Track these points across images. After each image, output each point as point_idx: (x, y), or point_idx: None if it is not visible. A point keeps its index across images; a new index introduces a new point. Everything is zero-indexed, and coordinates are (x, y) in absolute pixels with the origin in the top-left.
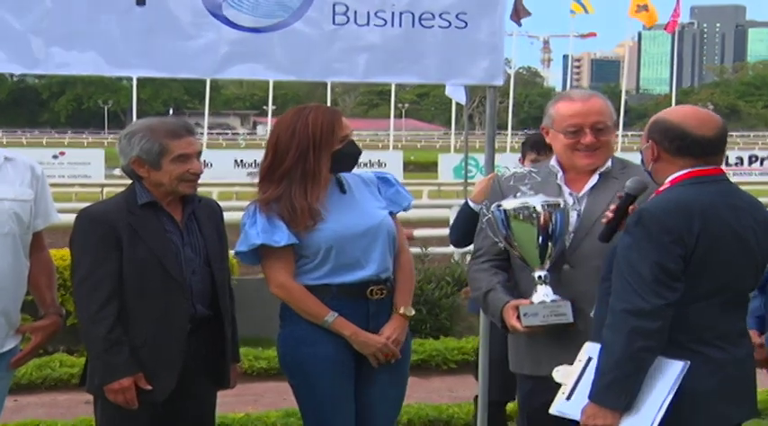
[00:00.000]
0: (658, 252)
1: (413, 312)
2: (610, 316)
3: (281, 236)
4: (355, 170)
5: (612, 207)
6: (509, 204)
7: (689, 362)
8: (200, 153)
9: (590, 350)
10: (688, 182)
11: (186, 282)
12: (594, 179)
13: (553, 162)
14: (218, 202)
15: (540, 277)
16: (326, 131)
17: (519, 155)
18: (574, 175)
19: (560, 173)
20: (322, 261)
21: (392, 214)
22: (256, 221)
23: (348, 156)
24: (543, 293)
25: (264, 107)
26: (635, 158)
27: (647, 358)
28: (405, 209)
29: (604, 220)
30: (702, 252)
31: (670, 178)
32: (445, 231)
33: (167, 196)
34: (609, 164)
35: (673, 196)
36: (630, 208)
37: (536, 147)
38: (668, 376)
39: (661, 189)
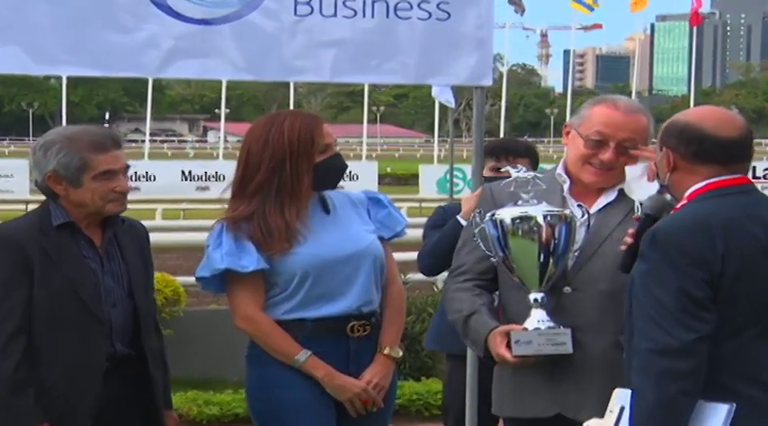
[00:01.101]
0: (679, 277)
1: (400, 353)
2: (636, 358)
3: (249, 261)
4: None
5: (631, 231)
6: (506, 214)
7: (734, 404)
8: (127, 168)
9: (622, 397)
10: (707, 196)
11: (105, 315)
12: (612, 195)
13: (560, 169)
14: (164, 221)
15: (536, 299)
16: (304, 141)
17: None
18: (581, 188)
19: (567, 183)
20: (295, 290)
21: (382, 240)
22: (222, 242)
23: (331, 171)
24: (538, 318)
25: (216, 110)
26: None
27: (685, 403)
28: (397, 235)
29: (623, 247)
30: (732, 275)
31: (687, 192)
32: None
33: (88, 217)
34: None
35: (689, 212)
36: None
37: (495, 153)
38: (714, 423)
39: (678, 206)
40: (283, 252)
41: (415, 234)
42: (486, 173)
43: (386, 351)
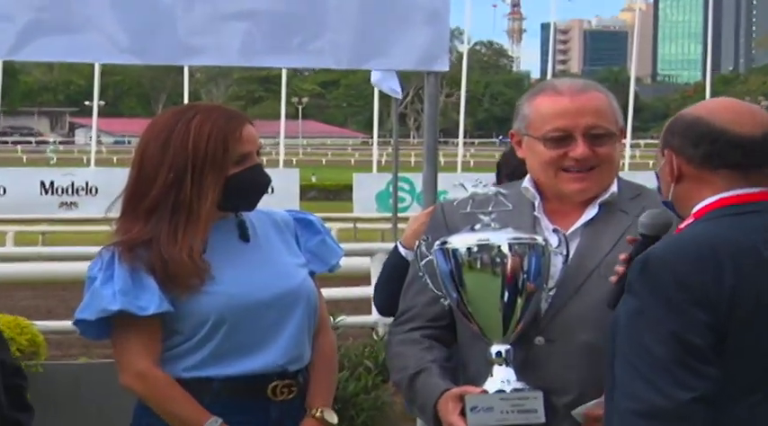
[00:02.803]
0: (675, 318)
1: (335, 418)
2: (616, 421)
3: (150, 301)
4: None
5: (623, 256)
6: (461, 242)
7: None
8: None
9: None
10: (718, 214)
11: None
12: (592, 211)
13: (527, 183)
14: (16, 249)
15: (499, 353)
16: (214, 146)
17: (480, 175)
18: (558, 205)
19: (538, 200)
20: (204, 340)
21: (312, 274)
22: (113, 275)
23: (247, 187)
24: (502, 378)
25: (87, 102)
26: (652, 179)
27: None
28: (330, 270)
29: (614, 278)
30: (743, 319)
31: (695, 209)
32: (364, 291)
33: None
34: (613, 188)
35: (692, 235)
36: None
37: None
38: None
39: (682, 225)
40: (192, 290)
41: (348, 263)
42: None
43: (317, 414)
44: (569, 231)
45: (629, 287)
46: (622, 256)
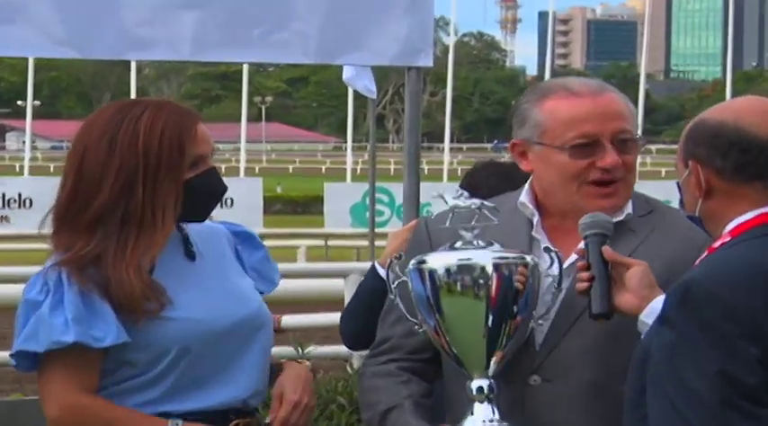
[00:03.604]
0: (722, 354)
1: None
2: None
3: (106, 331)
4: None
5: (580, 263)
6: (437, 261)
7: None
8: None
9: None
10: (759, 233)
11: None
12: None
13: (524, 197)
14: None
15: (480, 389)
16: (169, 145)
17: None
18: (559, 221)
19: (537, 218)
20: (163, 373)
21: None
22: (63, 300)
23: (203, 194)
24: (484, 417)
25: (19, 102)
26: (664, 190)
27: None
28: (270, 290)
29: (582, 286)
30: None
31: (730, 227)
32: (336, 317)
33: None
34: (629, 209)
35: (734, 258)
36: (603, 248)
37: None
38: None
39: (716, 244)
40: (150, 316)
41: (319, 286)
42: None
43: None
44: (570, 257)
45: (667, 318)
46: (580, 263)
